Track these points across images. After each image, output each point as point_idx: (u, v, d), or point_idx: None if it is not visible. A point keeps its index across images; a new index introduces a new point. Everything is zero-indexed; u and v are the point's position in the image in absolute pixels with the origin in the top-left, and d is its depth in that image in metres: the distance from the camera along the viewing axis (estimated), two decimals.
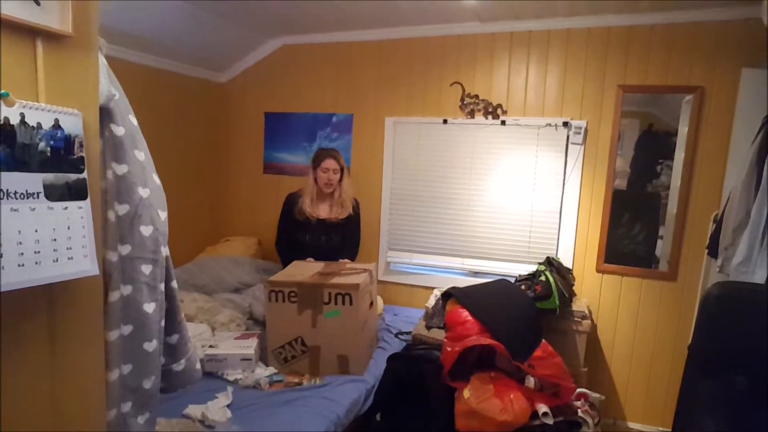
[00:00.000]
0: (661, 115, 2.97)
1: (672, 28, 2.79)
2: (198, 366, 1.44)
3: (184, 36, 3.19)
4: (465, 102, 3.26)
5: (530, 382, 2.27)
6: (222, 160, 4.00)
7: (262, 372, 2.30)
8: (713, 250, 2.52)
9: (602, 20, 2.90)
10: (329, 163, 2.94)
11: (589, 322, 2.77)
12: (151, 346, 1.21)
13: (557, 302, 2.65)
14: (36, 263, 0.83)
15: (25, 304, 0.88)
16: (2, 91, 0.78)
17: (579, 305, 2.85)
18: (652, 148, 2.98)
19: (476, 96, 3.24)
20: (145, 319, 1.19)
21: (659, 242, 3.01)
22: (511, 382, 2.26)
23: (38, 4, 0.83)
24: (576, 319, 2.74)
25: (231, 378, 2.25)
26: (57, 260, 0.87)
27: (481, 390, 2.19)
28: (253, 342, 2.42)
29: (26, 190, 0.82)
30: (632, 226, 3.06)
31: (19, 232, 0.81)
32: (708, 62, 2.75)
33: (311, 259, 2.85)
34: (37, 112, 0.84)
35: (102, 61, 1.07)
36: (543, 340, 2.47)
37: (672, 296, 2.93)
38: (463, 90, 3.26)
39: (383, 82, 3.47)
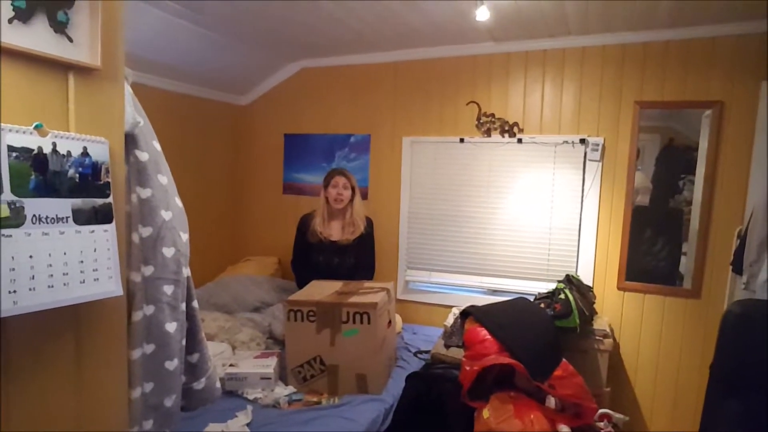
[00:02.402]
0: (682, 130, 2.94)
1: (688, 44, 2.79)
2: (218, 384, 1.46)
3: (207, 62, 3.30)
4: (481, 121, 3.29)
5: (551, 402, 2.24)
6: (243, 180, 4.09)
7: (282, 391, 2.32)
8: (738, 267, 2.47)
9: (617, 37, 2.91)
10: (338, 180, 2.99)
11: (610, 340, 2.72)
12: (173, 364, 1.24)
13: (577, 321, 2.62)
14: (64, 285, 0.87)
15: (53, 324, 0.92)
16: (37, 123, 0.83)
17: (600, 324, 2.80)
18: (673, 162, 2.95)
19: (492, 115, 3.26)
20: (167, 339, 1.23)
21: (683, 259, 2.96)
22: (532, 402, 2.23)
23: (71, 41, 0.89)
24: (597, 337, 2.70)
25: (251, 397, 2.27)
26: (84, 281, 0.91)
27: (500, 410, 2.17)
28: (273, 361, 2.44)
29: (56, 215, 0.87)
30: (654, 243, 3.01)
31: (50, 255, 0.85)
32: (726, 76, 2.73)
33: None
34: (68, 141, 0.89)
35: (128, 90, 1.13)
36: (563, 359, 2.43)
37: (696, 314, 2.86)
38: (479, 109, 3.29)
39: (400, 103, 3.52)
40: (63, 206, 0.88)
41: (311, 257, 3.04)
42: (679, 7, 2.46)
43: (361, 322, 2.33)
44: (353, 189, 3.03)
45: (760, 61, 2.64)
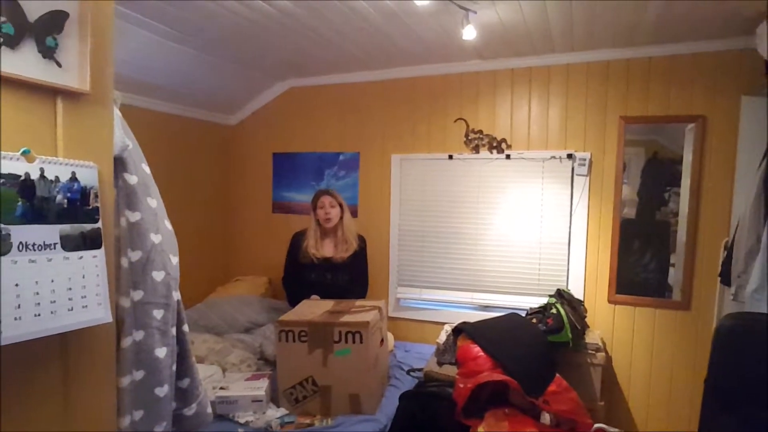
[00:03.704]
0: (666, 143, 2.99)
1: (670, 60, 2.85)
2: (209, 410, 1.43)
3: (196, 82, 3.30)
4: (469, 137, 3.32)
5: (546, 418, 2.23)
6: (232, 200, 4.07)
7: (274, 413, 2.28)
8: (726, 278, 2.49)
9: (600, 54, 2.97)
10: (324, 200, 3.02)
11: (603, 354, 2.72)
12: (163, 391, 1.22)
13: (570, 335, 2.61)
14: (52, 313, 0.85)
15: (40, 353, 0.90)
16: (24, 149, 0.82)
17: (592, 337, 2.81)
18: (658, 175, 2.99)
19: (480, 131, 3.29)
20: (157, 364, 1.20)
21: (671, 270, 2.98)
22: (526, 418, 2.21)
23: (60, 65, 0.88)
24: (590, 351, 2.70)
25: (242, 420, 2.23)
26: (72, 309, 0.89)
27: (495, 427, 2.15)
28: (264, 383, 2.40)
29: (44, 242, 0.85)
30: (643, 255, 3.03)
31: (36, 282, 0.83)
32: (708, 91, 2.78)
33: (316, 297, 2.86)
34: (56, 166, 0.87)
35: (117, 113, 1.12)
36: (557, 375, 2.42)
37: (687, 326, 2.88)
38: (467, 126, 3.32)
39: (388, 121, 3.55)
40: (51, 232, 0.86)
41: (303, 275, 3.03)
42: (661, 24, 2.51)
43: (354, 342, 2.31)
44: (341, 206, 3.04)
45: (739, 76, 2.70)
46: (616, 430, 2.42)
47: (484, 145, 3.28)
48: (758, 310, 2.07)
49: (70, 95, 0.92)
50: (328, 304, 2.64)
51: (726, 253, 2.56)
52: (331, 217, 3.00)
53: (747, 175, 2.56)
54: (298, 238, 3.10)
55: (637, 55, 2.90)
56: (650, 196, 3.01)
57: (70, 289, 0.89)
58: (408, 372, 2.87)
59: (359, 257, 3.09)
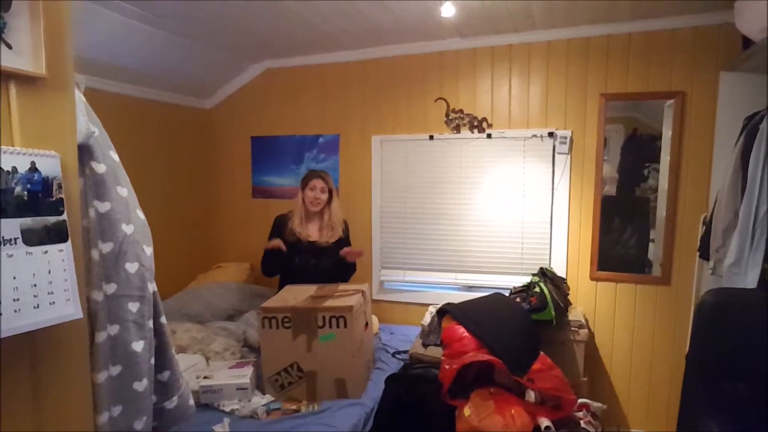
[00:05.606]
0: (645, 119, 3.00)
1: (649, 36, 2.83)
2: (191, 402, 1.41)
3: (167, 65, 3.19)
4: (450, 117, 3.28)
5: (531, 396, 2.24)
6: (210, 186, 3.99)
7: (259, 401, 2.26)
8: (705, 253, 2.53)
9: (580, 31, 2.94)
10: (316, 183, 2.94)
11: (586, 331, 2.75)
12: (142, 385, 1.18)
13: (553, 313, 2.63)
14: (15, 311, 0.81)
15: (6, 354, 0.85)
16: None
17: (575, 314, 2.84)
18: (637, 152, 3.01)
19: (461, 111, 3.25)
20: (134, 358, 1.17)
21: (651, 246, 3.02)
22: (512, 397, 2.23)
23: (10, 47, 0.82)
24: (573, 328, 2.73)
25: (227, 409, 2.20)
26: (38, 306, 0.84)
27: (481, 407, 2.16)
28: (249, 370, 2.37)
29: (2, 237, 0.80)
30: (623, 231, 3.06)
31: None
32: (687, 67, 2.79)
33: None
34: (12, 156, 0.82)
35: (80, 98, 1.06)
36: (541, 353, 2.44)
37: (667, 300, 2.93)
38: (448, 105, 3.28)
39: (368, 102, 3.49)
40: (10, 227, 0.81)
41: (286, 257, 2.97)
42: None
43: (338, 326, 2.29)
44: (330, 192, 2.99)
45: (718, 51, 2.70)
46: (599, 404, 2.47)
47: (464, 125, 3.26)
48: (735, 283, 2.10)
49: (24, 80, 0.86)
50: (311, 289, 2.61)
51: (705, 228, 2.60)
52: (320, 201, 2.94)
53: (725, 151, 2.58)
54: (281, 220, 3.03)
55: (617, 31, 2.88)
56: (629, 173, 3.03)
57: (35, 285, 0.85)
58: (393, 354, 2.87)
59: (344, 244, 3.04)
